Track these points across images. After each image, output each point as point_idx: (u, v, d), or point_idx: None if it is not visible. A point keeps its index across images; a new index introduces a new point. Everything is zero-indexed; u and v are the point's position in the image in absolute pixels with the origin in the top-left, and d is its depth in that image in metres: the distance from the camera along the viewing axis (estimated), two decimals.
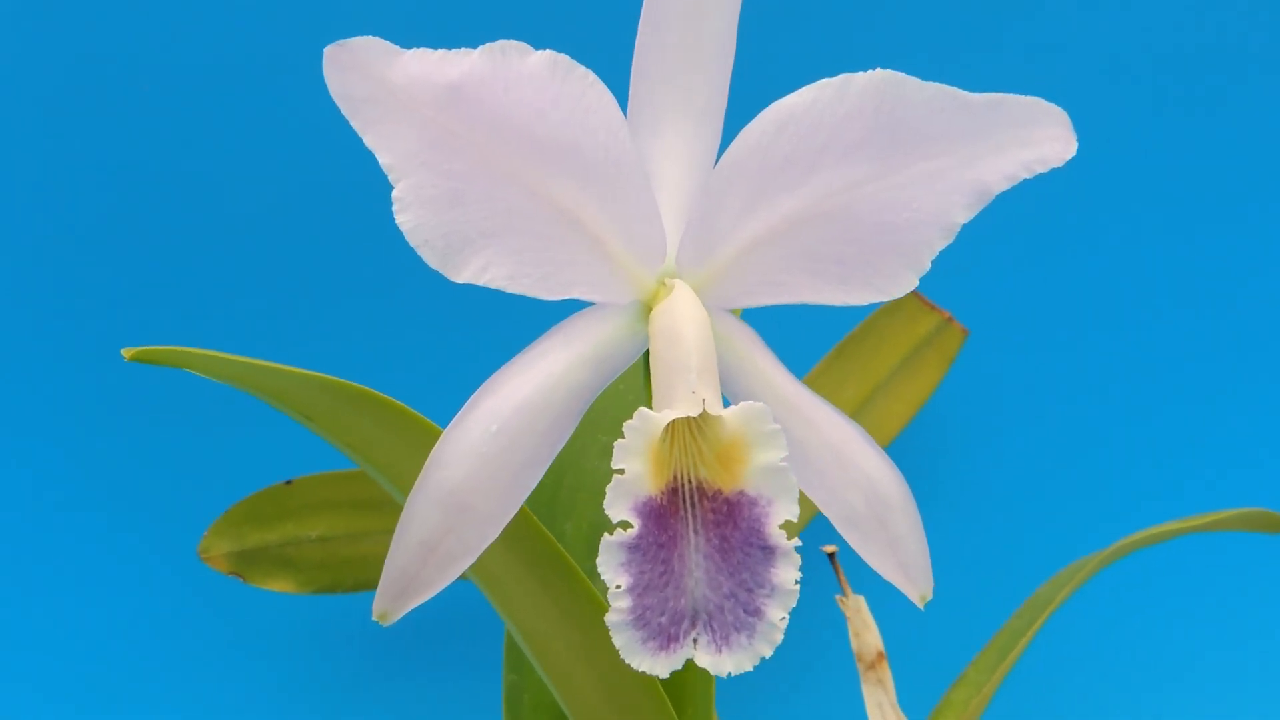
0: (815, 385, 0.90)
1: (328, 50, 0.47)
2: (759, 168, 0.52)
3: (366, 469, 0.60)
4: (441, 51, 0.48)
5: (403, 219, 0.49)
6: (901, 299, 0.95)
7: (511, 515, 0.55)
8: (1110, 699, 1.00)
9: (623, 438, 0.49)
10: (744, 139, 0.53)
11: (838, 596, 0.82)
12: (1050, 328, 1.00)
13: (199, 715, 1.04)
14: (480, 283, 0.51)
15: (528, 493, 0.55)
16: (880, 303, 0.53)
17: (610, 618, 0.48)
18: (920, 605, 0.58)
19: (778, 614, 0.49)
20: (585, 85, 0.50)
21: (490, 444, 0.54)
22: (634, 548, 0.48)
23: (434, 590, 0.54)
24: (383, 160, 0.48)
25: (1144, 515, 0.90)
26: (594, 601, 0.60)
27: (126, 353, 0.54)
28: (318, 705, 1.05)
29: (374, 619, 0.55)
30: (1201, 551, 0.99)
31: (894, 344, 0.97)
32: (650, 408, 0.51)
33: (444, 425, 0.56)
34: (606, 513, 0.48)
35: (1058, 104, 0.50)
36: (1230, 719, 0.99)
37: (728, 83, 0.57)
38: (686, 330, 0.51)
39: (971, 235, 0.52)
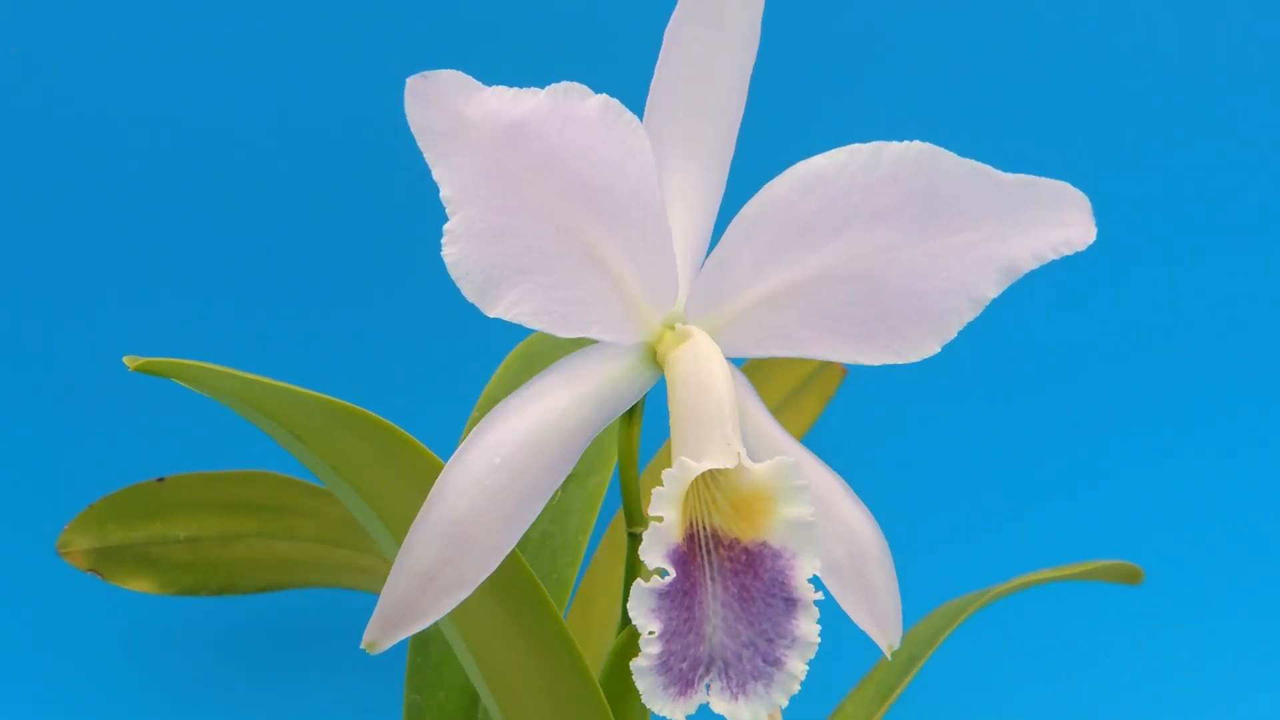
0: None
1: (411, 81, 0.47)
2: (783, 223, 0.54)
3: (348, 495, 0.59)
4: (514, 90, 0.48)
5: (449, 251, 0.49)
6: None
7: (510, 548, 0.55)
8: None
9: (662, 485, 0.49)
10: (769, 194, 0.54)
11: None
12: (929, 371, 1.03)
13: (45, 713, 1.00)
14: (507, 317, 0.52)
15: (527, 526, 0.55)
16: (894, 364, 0.55)
17: (639, 663, 0.49)
18: (888, 654, 0.60)
19: (798, 665, 0.50)
20: (629, 130, 0.51)
21: (493, 477, 0.54)
22: (665, 594, 0.49)
23: (427, 622, 0.54)
24: (445, 193, 0.48)
25: (1013, 563, 0.95)
26: (563, 638, 0.60)
27: (130, 362, 0.52)
28: (171, 711, 1.02)
29: (362, 647, 0.55)
30: (1068, 599, 1.04)
31: (778, 381, 0.99)
32: (670, 458, 0.52)
33: (439, 453, 0.56)
34: (643, 559, 0.49)
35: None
36: None
37: (736, 131, 0.58)
38: (717, 380, 0.52)
39: None
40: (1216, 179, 1.09)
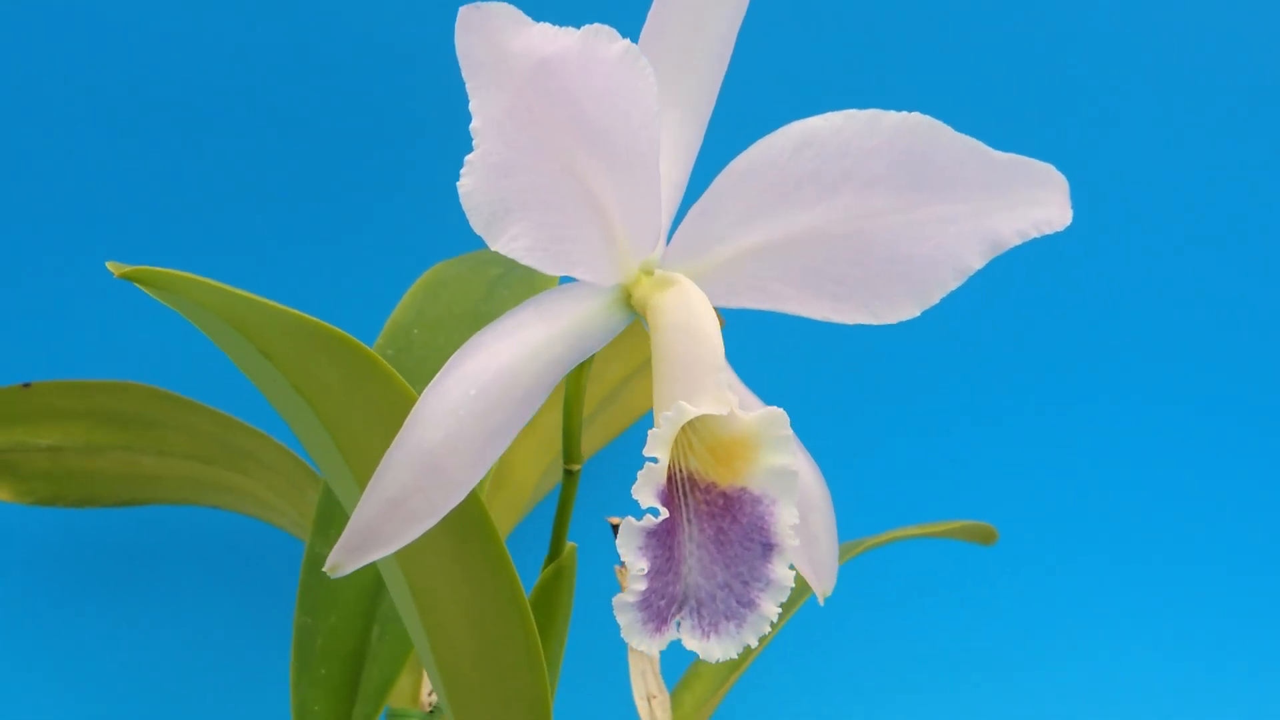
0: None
1: (463, 10, 0.46)
2: (774, 179, 0.55)
3: (305, 421, 0.58)
4: (554, 28, 0.48)
5: (465, 181, 0.50)
6: None
7: (478, 480, 0.55)
8: (844, 683, 1.09)
9: (658, 428, 0.50)
10: (761, 149, 0.55)
11: (616, 567, 0.85)
12: (794, 332, 1.06)
13: None
14: (505, 251, 0.52)
15: (495, 459, 0.56)
16: (869, 324, 0.57)
17: (624, 599, 0.50)
18: (821, 601, 0.63)
19: (771, 607, 0.52)
20: (643, 77, 0.51)
21: (468, 407, 0.54)
22: (652, 533, 0.50)
23: (392, 548, 0.54)
24: (474, 124, 0.48)
25: (874, 521, 0.99)
26: (507, 572, 0.61)
27: (114, 269, 0.51)
28: (22, 624, 0.99)
29: (324, 570, 0.54)
30: (927, 555, 1.09)
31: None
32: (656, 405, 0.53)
33: None
34: (635, 497, 0.50)
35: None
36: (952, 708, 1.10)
37: (718, 86, 0.59)
38: (710, 328, 0.53)
39: None
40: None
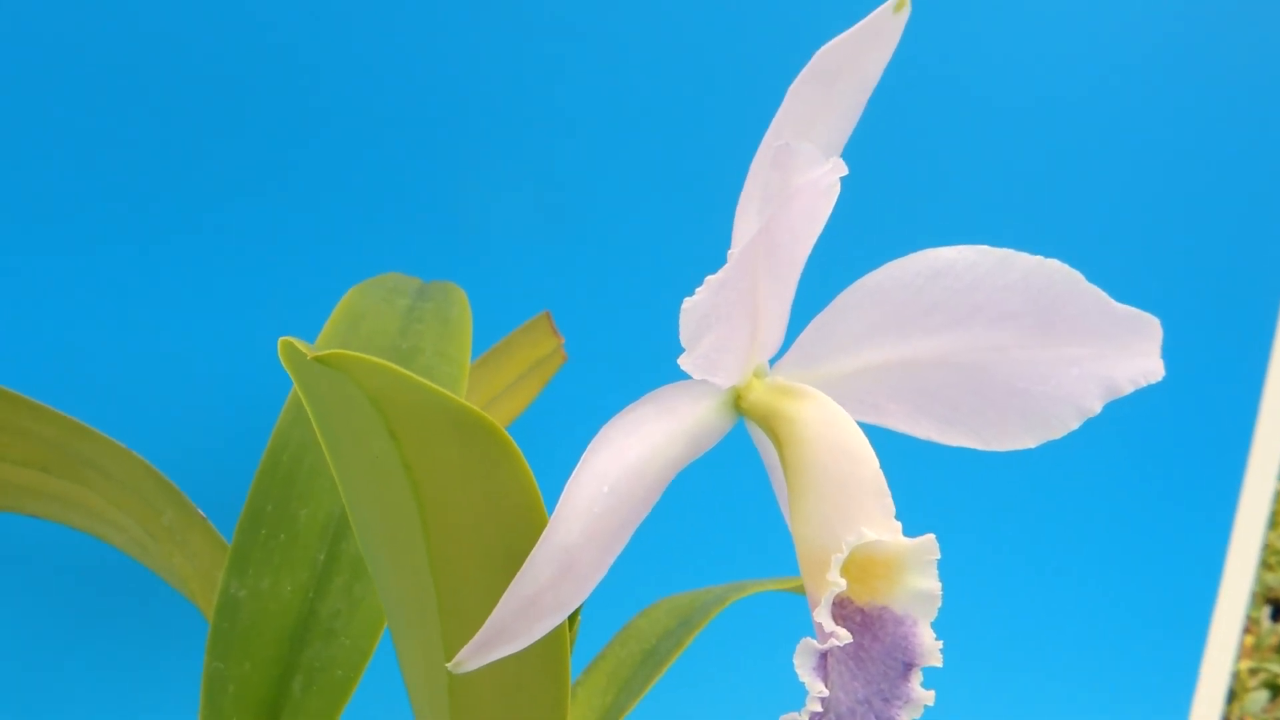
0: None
1: (778, 151, 0.46)
2: (903, 303, 0.57)
3: (388, 496, 0.55)
4: (823, 165, 0.48)
5: (695, 298, 0.50)
6: (537, 321, 1.00)
7: (601, 577, 0.54)
8: None
9: (840, 552, 0.51)
10: (893, 272, 0.57)
11: None
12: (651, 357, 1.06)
13: None
14: (687, 360, 0.52)
15: (616, 556, 0.55)
16: (973, 449, 0.59)
17: (796, 717, 0.51)
18: None
19: None
20: (829, 199, 0.52)
21: (602, 504, 0.53)
22: (825, 655, 0.51)
23: (517, 646, 0.53)
24: (735, 250, 0.48)
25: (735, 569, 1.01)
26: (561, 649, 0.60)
27: (303, 349, 0.47)
28: None
29: (448, 666, 0.52)
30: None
31: (519, 359, 1.00)
32: None
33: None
34: (818, 621, 0.51)
35: None
36: None
37: None
38: (865, 449, 0.54)
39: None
40: None
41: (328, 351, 0.47)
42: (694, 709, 1.13)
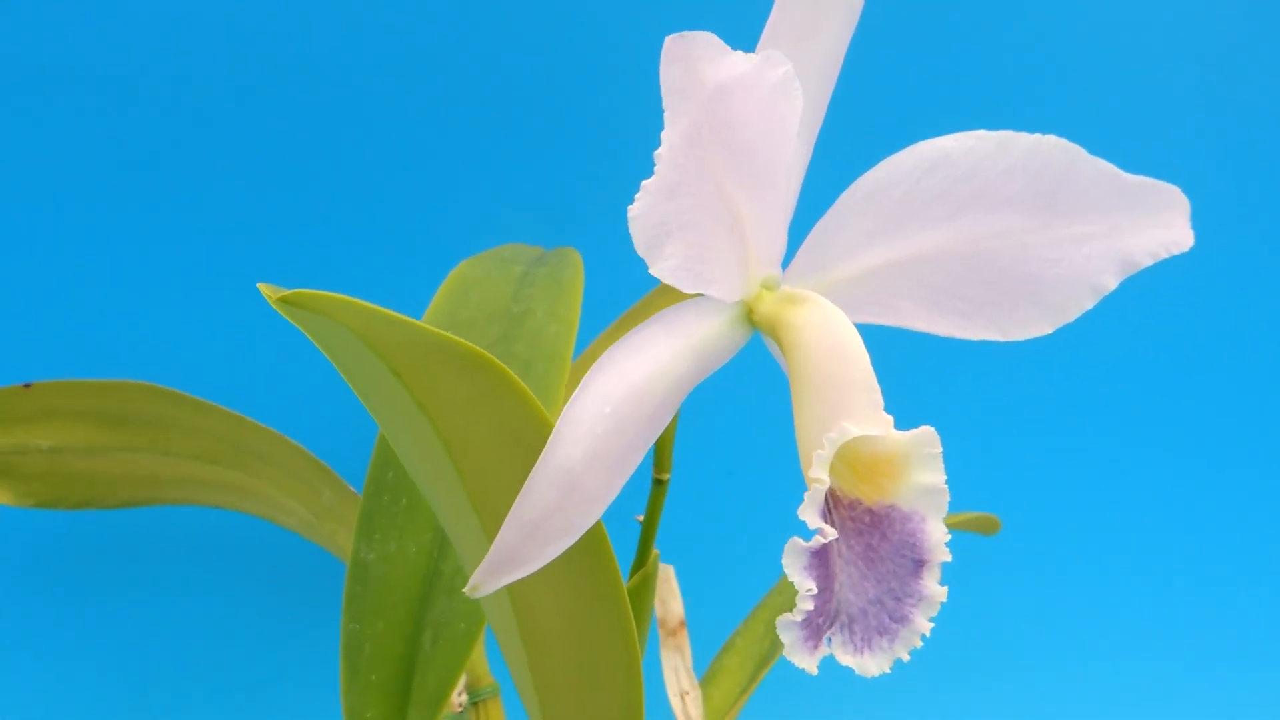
0: (596, 350, 0.94)
1: (668, 41, 0.46)
2: (903, 198, 0.56)
3: (420, 440, 0.58)
4: (741, 56, 0.48)
5: (638, 204, 0.50)
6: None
7: (611, 499, 0.55)
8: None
9: (822, 449, 0.51)
10: (889, 168, 0.56)
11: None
12: None
13: None
14: (657, 272, 0.52)
15: (627, 478, 0.55)
16: (996, 340, 0.58)
17: (790, 618, 0.51)
18: None
19: (924, 622, 0.53)
20: (794, 101, 0.52)
21: (604, 424, 0.54)
22: (815, 554, 0.51)
23: (530, 569, 0.54)
24: (661, 150, 0.49)
25: None
26: (615, 587, 0.61)
27: (269, 294, 0.50)
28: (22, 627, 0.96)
29: (464, 591, 0.54)
30: None
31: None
32: None
33: None
34: (802, 518, 0.50)
35: None
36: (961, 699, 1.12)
37: (827, 100, 0.60)
38: (857, 347, 0.54)
39: None
40: None
41: (295, 291, 0.50)
42: None
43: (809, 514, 0.51)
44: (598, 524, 0.59)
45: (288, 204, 1.01)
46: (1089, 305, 0.57)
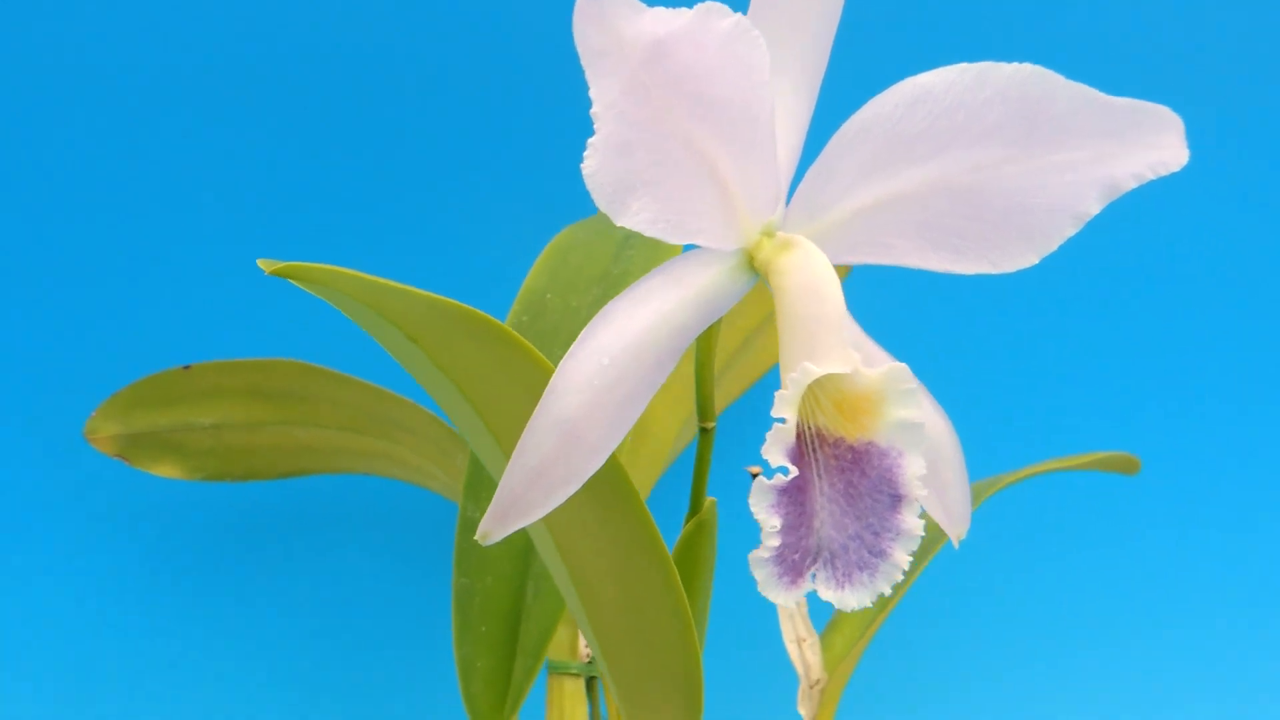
0: None
1: (580, 3, 0.48)
2: (888, 136, 0.56)
3: (451, 400, 0.61)
4: (669, 11, 0.50)
5: (588, 163, 0.51)
6: None
7: (614, 448, 0.57)
8: (990, 620, 1.11)
9: (784, 389, 0.52)
10: (874, 108, 0.56)
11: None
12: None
13: (79, 594, 1.02)
14: (629, 225, 0.54)
15: (631, 425, 0.57)
16: (988, 274, 0.58)
17: (759, 554, 0.52)
18: (955, 544, 0.64)
19: (902, 556, 0.54)
20: (755, 48, 0.52)
21: (602, 377, 0.56)
22: (783, 491, 0.52)
23: (536, 515, 0.56)
24: (595, 109, 0.50)
25: (1016, 455, 0.99)
26: (648, 530, 0.62)
27: (265, 266, 0.54)
28: (198, 594, 1.04)
29: (476, 538, 0.57)
30: (1065, 490, 1.09)
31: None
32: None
33: None
34: (765, 457, 0.52)
35: None
36: (1099, 644, 1.11)
37: (829, 46, 0.60)
38: (831, 288, 0.55)
39: None
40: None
41: (291, 264, 0.54)
42: (977, 585, 1.11)
43: (772, 452, 0.52)
44: (623, 473, 0.62)
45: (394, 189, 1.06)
46: (1071, 232, 0.56)
